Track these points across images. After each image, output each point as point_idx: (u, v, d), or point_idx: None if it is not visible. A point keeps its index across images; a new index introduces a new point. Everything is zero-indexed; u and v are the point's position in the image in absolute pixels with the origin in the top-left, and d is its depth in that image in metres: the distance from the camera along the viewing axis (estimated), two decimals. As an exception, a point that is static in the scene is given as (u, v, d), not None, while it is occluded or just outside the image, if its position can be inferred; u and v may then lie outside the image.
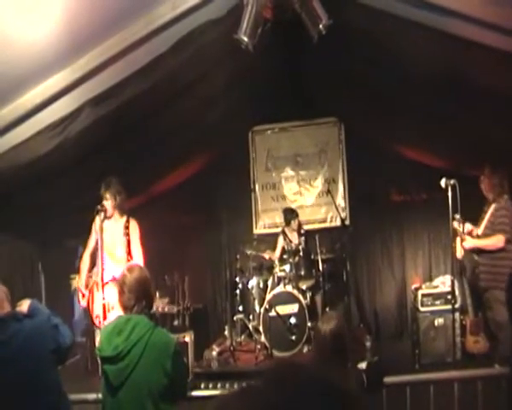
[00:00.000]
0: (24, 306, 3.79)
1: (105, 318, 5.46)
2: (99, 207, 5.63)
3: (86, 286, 5.90)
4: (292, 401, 0.82)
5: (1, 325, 3.47)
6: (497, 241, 5.84)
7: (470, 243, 6.03)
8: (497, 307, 5.74)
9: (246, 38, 4.81)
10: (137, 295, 3.55)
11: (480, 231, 6.10)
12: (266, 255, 8.71)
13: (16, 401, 3.39)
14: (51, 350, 3.57)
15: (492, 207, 6.05)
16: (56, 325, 3.67)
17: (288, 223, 8.73)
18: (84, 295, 5.87)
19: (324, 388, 0.87)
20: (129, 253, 5.80)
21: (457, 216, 6.05)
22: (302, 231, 8.71)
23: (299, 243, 8.40)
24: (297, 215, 8.70)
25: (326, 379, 0.89)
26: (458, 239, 6.16)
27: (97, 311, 5.71)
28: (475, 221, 6.22)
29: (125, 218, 5.85)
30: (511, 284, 1.54)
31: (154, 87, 5.31)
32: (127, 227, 5.78)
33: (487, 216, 6.08)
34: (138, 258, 5.72)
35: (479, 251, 6.06)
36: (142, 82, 5.15)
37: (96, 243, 5.73)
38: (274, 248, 8.86)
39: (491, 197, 6.10)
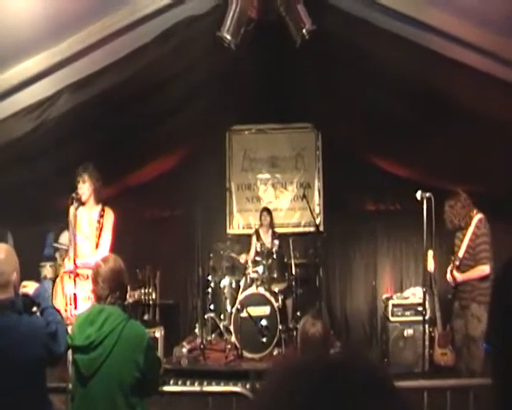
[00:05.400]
0: (30, 288, 3.54)
1: (65, 311, 5.31)
2: (73, 194, 5.49)
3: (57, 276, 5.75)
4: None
5: None
6: (482, 272, 5.75)
7: (458, 277, 5.94)
8: (473, 322, 5.77)
9: (229, 37, 4.80)
10: (111, 285, 3.51)
11: (460, 254, 5.97)
12: (242, 259, 8.67)
13: None
14: (41, 358, 3.25)
15: (470, 231, 5.91)
16: (53, 333, 3.31)
17: (259, 218, 8.80)
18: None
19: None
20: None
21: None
22: (276, 235, 8.71)
23: (272, 246, 8.38)
24: (269, 212, 8.80)
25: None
26: (430, 253, 6.16)
27: (59, 305, 5.47)
28: (450, 236, 6.24)
29: (100, 206, 5.72)
30: (494, 294, 1.50)
31: (134, 78, 5.24)
32: (102, 215, 5.65)
33: (466, 242, 5.93)
34: (105, 246, 5.54)
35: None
36: (122, 71, 5.08)
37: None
38: (249, 251, 8.84)
39: (463, 224, 5.96)
